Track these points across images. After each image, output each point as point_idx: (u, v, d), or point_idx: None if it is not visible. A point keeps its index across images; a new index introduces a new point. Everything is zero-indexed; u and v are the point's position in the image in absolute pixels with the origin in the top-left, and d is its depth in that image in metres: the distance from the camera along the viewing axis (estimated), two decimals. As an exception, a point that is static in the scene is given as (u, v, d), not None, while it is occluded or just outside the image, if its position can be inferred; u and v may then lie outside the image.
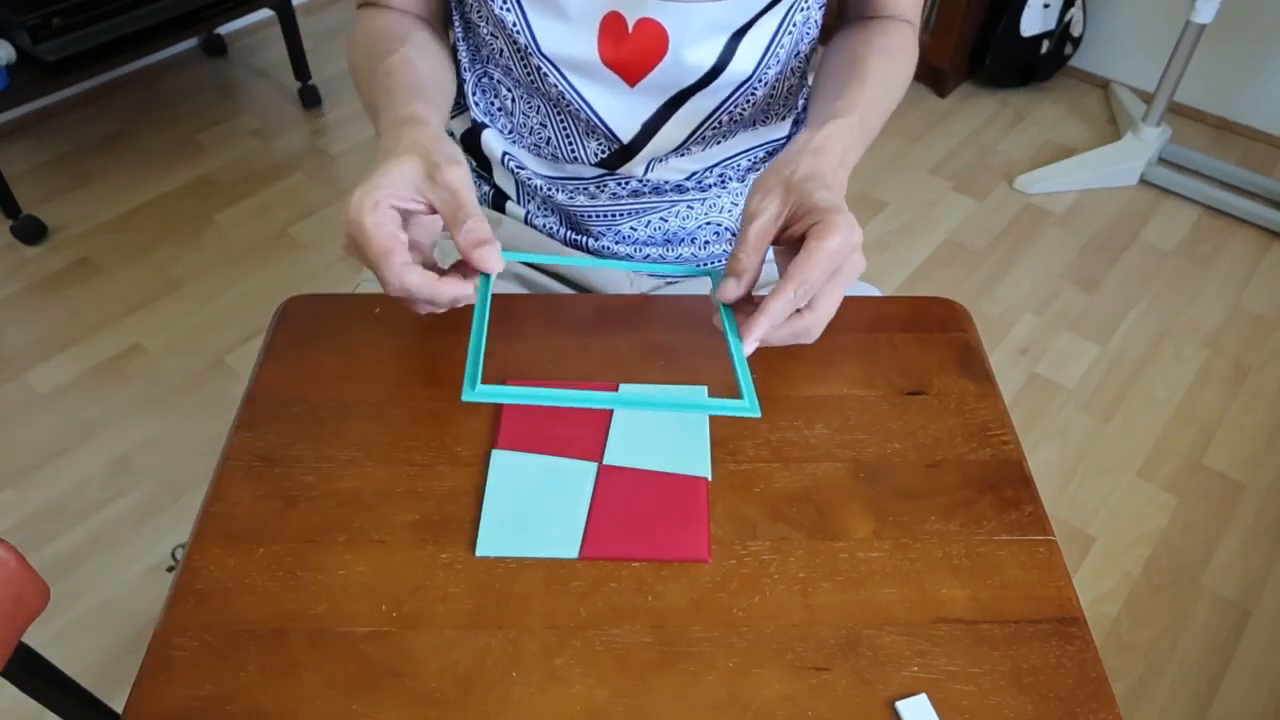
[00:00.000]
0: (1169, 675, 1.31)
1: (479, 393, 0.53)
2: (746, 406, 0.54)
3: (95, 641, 1.32)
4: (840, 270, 0.57)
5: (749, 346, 0.56)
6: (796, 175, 0.59)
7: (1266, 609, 1.39)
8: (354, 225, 0.55)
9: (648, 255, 0.81)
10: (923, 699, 0.48)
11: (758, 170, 0.82)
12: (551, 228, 0.82)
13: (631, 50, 0.69)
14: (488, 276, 0.58)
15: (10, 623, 0.57)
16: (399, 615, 0.51)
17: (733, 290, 0.58)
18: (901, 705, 0.47)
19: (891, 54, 0.72)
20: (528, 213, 0.82)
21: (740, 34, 0.70)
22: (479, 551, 0.53)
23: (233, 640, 0.49)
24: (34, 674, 0.64)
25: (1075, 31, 2.31)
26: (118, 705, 0.56)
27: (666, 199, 0.79)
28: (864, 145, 0.67)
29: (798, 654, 0.49)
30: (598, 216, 0.79)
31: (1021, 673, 0.49)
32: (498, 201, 0.83)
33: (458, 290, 0.56)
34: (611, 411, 0.61)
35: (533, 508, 0.55)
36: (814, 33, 0.78)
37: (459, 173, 0.57)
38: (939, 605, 0.51)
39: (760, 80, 0.74)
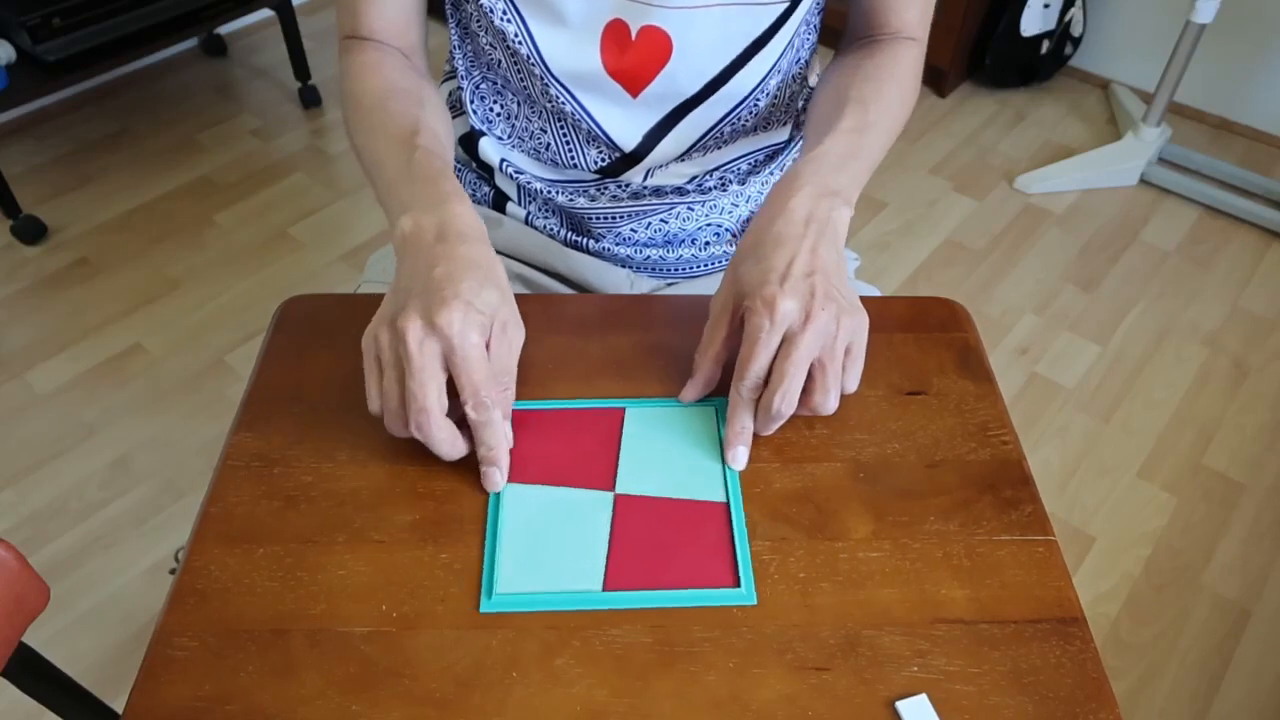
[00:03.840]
0: (1169, 675, 1.31)
1: (496, 602, 0.51)
2: (743, 595, 0.52)
3: (95, 641, 1.32)
4: (796, 341, 0.55)
5: (734, 460, 0.57)
6: (740, 253, 0.60)
7: (1266, 609, 1.39)
8: (462, 342, 0.52)
9: (648, 256, 0.81)
10: (923, 699, 0.48)
11: (758, 172, 0.82)
12: (552, 229, 0.82)
13: (634, 58, 0.69)
14: (499, 494, 0.57)
15: (10, 623, 0.57)
16: (399, 615, 0.50)
17: (688, 393, 0.61)
18: (901, 705, 0.47)
19: (882, 77, 0.70)
20: (528, 214, 0.82)
21: (753, 50, 0.69)
22: (500, 589, 0.51)
23: (233, 640, 0.49)
24: (34, 674, 0.64)
25: (1075, 31, 2.31)
26: (118, 705, 0.56)
27: (666, 201, 0.79)
28: (854, 165, 0.64)
29: (798, 654, 0.49)
30: (598, 218, 0.79)
31: (1021, 673, 0.49)
32: (498, 203, 0.83)
33: (506, 463, 0.56)
34: (620, 438, 0.59)
35: (550, 541, 0.54)
36: (814, 38, 0.78)
37: (521, 338, 0.58)
38: (939, 605, 0.51)
39: (763, 92, 0.74)
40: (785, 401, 0.55)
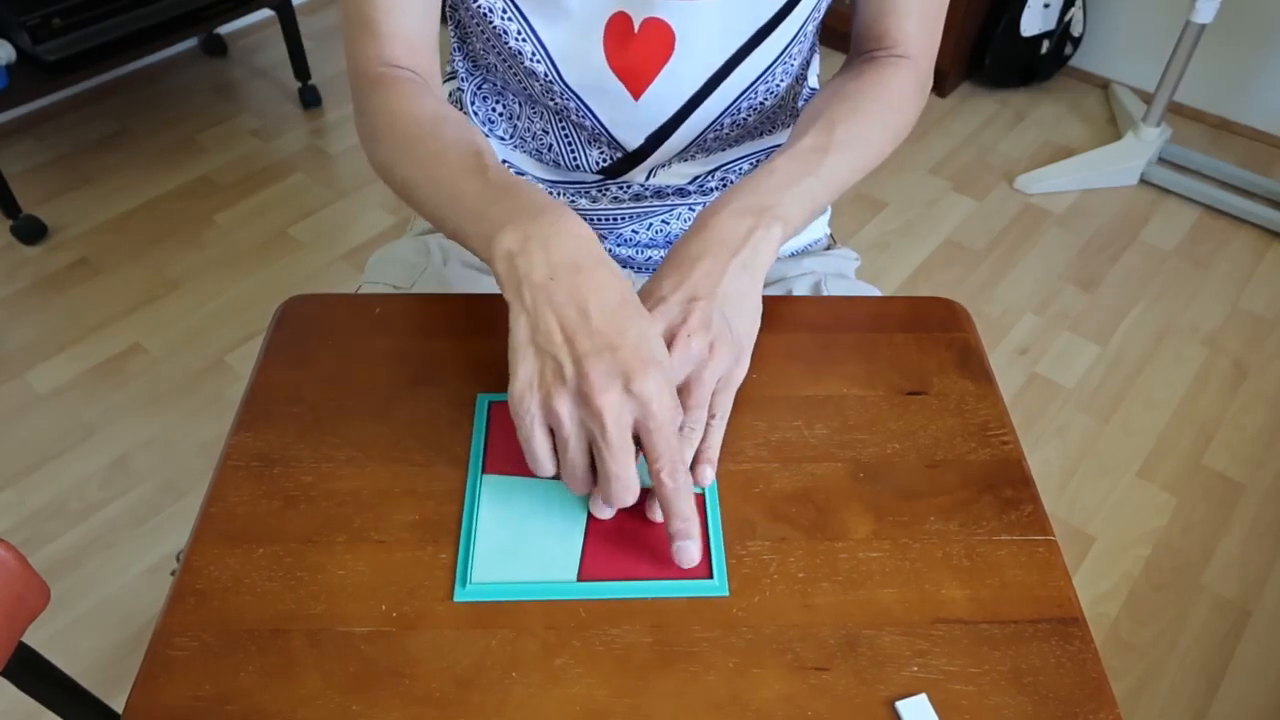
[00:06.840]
0: (1169, 675, 1.31)
1: (470, 591, 0.51)
2: (715, 586, 0.52)
3: (95, 641, 1.32)
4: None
5: (701, 479, 0.54)
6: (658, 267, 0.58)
7: (1266, 609, 1.39)
8: (662, 411, 0.49)
9: (650, 258, 0.81)
10: (922, 699, 0.48)
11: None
12: (552, 228, 0.82)
13: (637, 52, 0.69)
14: (477, 477, 0.56)
15: (10, 623, 0.57)
16: (399, 615, 0.51)
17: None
18: (901, 705, 0.47)
19: (862, 98, 0.68)
20: (528, 213, 0.82)
21: (754, 42, 0.69)
22: (475, 578, 0.52)
23: (232, 640, 0.49)
24: (34, 674, 0.64)
25: (1075, 31, 2.31)
26: (118, 705, 0.56)
27: (668, 202, 0.79)
28: (805, 183, 0.61)
29: (798, 654, 0.49)
30: (599, 219, 0.79)
31: (1021, 673, 0.49)
32: (498, 202, 0.83)
33: (698, 533, 0.52)
34: None
35: (527, 532, 0.54)
36: (814, 35, 0.78)
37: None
38: (939, 605, 0.51)
39: (765, 85, 0.74)
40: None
